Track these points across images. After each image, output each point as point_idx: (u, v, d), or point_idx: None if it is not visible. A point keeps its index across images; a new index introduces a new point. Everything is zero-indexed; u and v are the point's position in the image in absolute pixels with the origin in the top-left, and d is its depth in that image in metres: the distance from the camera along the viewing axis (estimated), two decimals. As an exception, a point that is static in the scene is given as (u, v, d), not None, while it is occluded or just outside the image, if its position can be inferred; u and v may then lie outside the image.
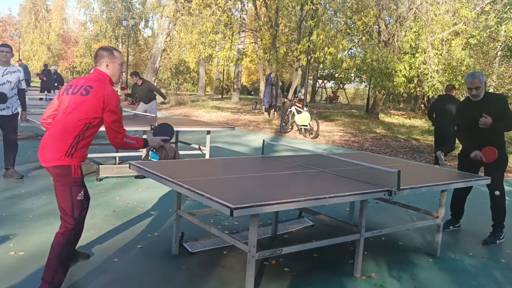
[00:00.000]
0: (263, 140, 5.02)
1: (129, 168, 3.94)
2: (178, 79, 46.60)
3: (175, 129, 7.75)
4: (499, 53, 21.83)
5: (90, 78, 3.27)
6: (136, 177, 6.84)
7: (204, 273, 3.60)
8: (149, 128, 7.18)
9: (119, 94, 10.46)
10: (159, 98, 11.98)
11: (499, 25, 17.38)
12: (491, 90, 22.36)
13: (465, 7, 16.79)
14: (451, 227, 5.27)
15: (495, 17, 16.73)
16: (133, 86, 11.33)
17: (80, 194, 3.14)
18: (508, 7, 16.91)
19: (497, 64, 21.00)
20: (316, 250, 4.16)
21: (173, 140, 9.05)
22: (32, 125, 7.49)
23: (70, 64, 50.57)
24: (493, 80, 21.55)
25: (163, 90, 39.10)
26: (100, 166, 6.67)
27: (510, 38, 18.17)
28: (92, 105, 3.11)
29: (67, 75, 55.86)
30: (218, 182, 3.39)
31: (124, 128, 3.28)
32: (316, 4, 15.40)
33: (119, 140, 3.23)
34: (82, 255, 3.70)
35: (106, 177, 6.74)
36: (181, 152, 7.65)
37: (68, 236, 3.11)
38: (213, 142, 11.28)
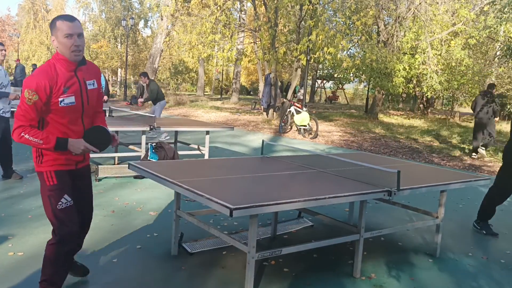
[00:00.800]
0: (263, 140, 5.02)
1: (128, 168, 3.93)
2: (177, 79, 46.59)
3: (175, 129, 7.76)
4: (498, 53, 21.86)
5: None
6: (135, 177, 6.83)
7: (204, 274, 3.59)
8: (148, 128, 7.17)
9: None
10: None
11: (498, 25, 17.39)
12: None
13: (464, 7, 16.80)
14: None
15: (494, 17, 16.74)
16: (142, 87, 11.41)
17: (60, 202, 2.80)
18: (507, 7, 16.91)
19: (496, 64, 21.02)
20: (315, 251, 4.16)
21: (172, 140, 9.05)
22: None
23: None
24: (492, 80, 21.57)
25: (162, 90, 39.14)
26: (99, 166, 6.66)
27: (509, 38, 18.18)
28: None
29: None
30: (218, 182, 3.38)
31: (25, 120, 2.63)
32: (315, 4, 15.41)
33: (15, 135, 2.64)
34: (78, 271, 3.33)
35: (105, 177, 6.73)
36: (180, 152, 7.65)
37: (56, 250, 2.81)
38: (212, 142, 11.27)
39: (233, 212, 2.65)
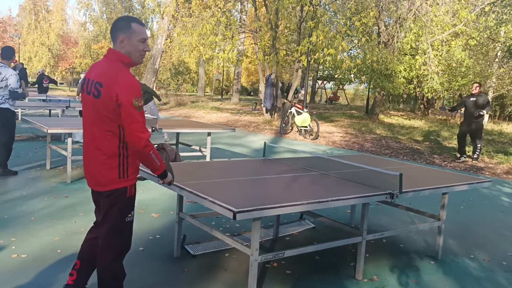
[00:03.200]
0: (265, 142, 5.03)
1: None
2: (177, 80, 46.59)
3: (176, 130, 7.78)
4: (498, 54, 21.85)
5: (101, 68, 2.64)
6: (138, 178, 6.83)
7: (206, 276, 3.60)
8: (150, 130, 7.18)
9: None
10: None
11: (498, 26, 17.40)
12: (490, 91, 22.38)
13: (465, 8, 16.80)
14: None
15: (494, 19, 16.74)
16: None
17: (130, 215, 2.78)
18: (507, 8, 16.91)
19: (497, 65, 21.02)
20: (317, 253, 4.17)
21: (174, 141, 9.06)
22: (32, 126, 7.48)
23: (70, 65, 50.57)
24: (492, 81, 21.57)
25: (162, 91, 39.10)
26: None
27: (510, 40, 18.17)
28: (107, 109, 2.54)
29: (67, 76, 55.84)
30: (220, 185, 3.40)
31: (148, 133, 2.56)
32: (316, 6, 15.41)
33: (141, 146, 2.52)
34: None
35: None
36: (181, 154, 7.66)
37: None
38: (214, 143, 11.28)
39: (236, 215, 2.66)
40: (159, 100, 11.70)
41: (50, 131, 6.27)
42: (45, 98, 13.67)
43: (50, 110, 12.20)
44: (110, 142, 2.58)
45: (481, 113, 10.34)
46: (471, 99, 10.65)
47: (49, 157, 7.30)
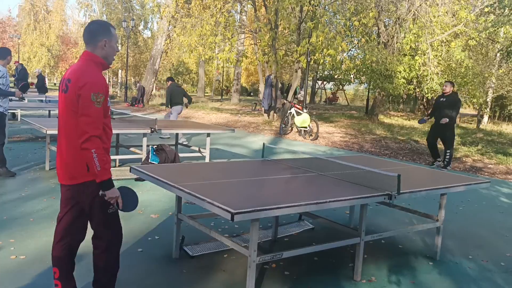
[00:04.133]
0: (263, 143, 5.03)
1: (130, 171, 3.94)
2: (177, 80, 46.59)
3: (176, 131, 7.78)
4: (498, 54, 21.86)
5: (74, 67, 2.75)
6: (136, 179, 6.84)
7: (205, 277, 3.61)
8: (149, 131, 7.19)
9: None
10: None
11: (498, 27, 17.41)
12: (490, 92, 22.37)
13: (465, 8, 16.80)
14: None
15: (492, 20, 16.75)
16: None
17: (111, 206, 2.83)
18: (507, 9, 16.91)
19: (497, 65, 21.03)
20: (316, 253, 4.17)
21: (173, 142, 9.06)
22: (31, 127, 7.48)
23: (69, 65, 50.57)
24: (492, 82, 21.57)
25: (162, 92, 39.10)
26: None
27: (509, 40, 18.16)
28: (73, 103, 2.61)
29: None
30: (219, 186, 3.40)
31: (97, 128, 2.58)
32: (316, 6, 15.42)
33: (81, 140, 2.55)
34: None
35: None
36: (181, 155, 7.67)
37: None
38: (213, 144, 11.29)
39: (234, 216, 2.67)
40: (189, 103, 12.02)
41: (49, 132, 6.27)
42: (44, 98, 13.67)
43: (49, 110, 12.20)
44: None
45: (442, 121, 9.28)
46: (441, 99, 9.65)
47: (48, 158, 7.30)
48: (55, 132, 6.44)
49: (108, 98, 2.74)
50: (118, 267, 2.98)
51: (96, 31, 2.73)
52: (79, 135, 2.56)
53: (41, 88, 19.24)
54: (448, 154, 9.69)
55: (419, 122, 10.42)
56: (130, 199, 2.90)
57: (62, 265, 2.87)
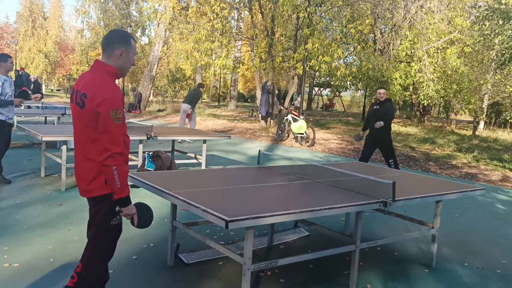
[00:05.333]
0: (259, 150, 5.03)
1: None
2: (174, 87, 46.64)
3: (173, 138, 7.77)
4: (493, 61, 21.97)
5: (87, 79, 2.67)
6: (132, 186, 6.81)
7: (200, 285, 3.59)
8: (145, 138, 7.18)
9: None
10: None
11: (493, 36, 17.50)
12: (486, 98, 22.45)
13: (460, 15, 16.92)
14: None
15: (488, 27, 16.84)
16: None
17: (115, 219, 2.79)
18: (502, 16, 16.98)
19: (492, 72, 21.14)
20: (311, 261, 4.16)
21: (169, 149, 9.05)
22: (27, 133, 7.45)
23: (67, 72, 50.55)
24: (488, 88, 21.67)
25: (159, 98, 39.08)
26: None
27: (505, 49, 18.22)
28: (90, 119, 2.58)
29: (64, 82, 55.76)
30: (214, 193, 3.39)
31: (119, 144, 2.57)
32: (312, 13, 15.49)
33: (103, 157, 2.54)
34: None
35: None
36: (177, 161, 7.65)
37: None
38: (210, 150, 11.28)
39: (228, 224, 2.66)
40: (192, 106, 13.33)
41: (44, 138, 6.26)
42: (40, 105, 13.64)
43: (46, 117, 12.18)
44: (96, 150, 2.61)
45: (376, 125, 8.26)
46: (374, 107, 8.66)
47: (43, 165, 7.28)
48: (51, 139, 6.46)
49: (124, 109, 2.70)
50: (108, 278, 2.95)
51: (115, 39, 2.69)
52: (101, 152, 2.55)
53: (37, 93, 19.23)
54: (392, 164, 8.68)
55: (355, 139, 9.31)
56: (145, 215, 2.87)
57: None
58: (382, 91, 8.67)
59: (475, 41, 17.01)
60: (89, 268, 2.80)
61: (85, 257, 2.83)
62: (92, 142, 2.62)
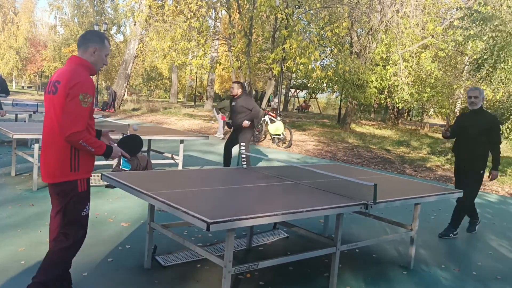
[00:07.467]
0: (239, 151, 4.97)
1: (101, 179, 3.81)
2: (150, 86, 46.14)
3: (148, 137, 7.63)
4: (466, 67, 22.49)
5: (62, 70, 2.89)
6: (107, 186, 6.66)
7: (178, 288, 3.50)
8: (121, 136, 7.02)
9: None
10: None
11: (466, 41, 17.91)
12: (458, 102, 22.93)
13: (434, 20, 17.22)
14: (451, 235, 5.61)
15: (460, 34, 17.22)
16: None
17: (85, 209, 3.00)
18: (474, 23, 17.41)
19: (465, 77, 21.62)
20: (291, 263, 4.12)
21: (145, 148, 8.89)
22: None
23: (38, 68, 49.43)
24: (460, 93, 22.14)
25: (134, 97, 38.56)
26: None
27: (478, 53, 18.65)
28: (61, 104, 2.73)
29: (35, 79, 54.47)
30: (193, 194, 3.32)
31: (83, 124, 2.74)
32: (290, 15, 15.51)
33: (64, 136, 2.72)
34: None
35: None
36: (153, 161, 7.52)
37: (66, 254, 3.04)
38: (186, 150, 11.15)
39: (210, 226, 2.59)
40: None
41: (16, 136, 6.05)
42: (11, 102, 13.25)
43: (16, 114, 11.83)
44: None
45: (244, 125, 7.75)
46: (232, 103, 8.02)
47: (14, 164, 7.05)
48: (22, 136, 6.25)
49: (94, 101, 2.87)
50: (64, 270, 3.06)
51: (91, 37, 2.94)
52: (62, 130, 2.71)
53: (4, 90, 18.67)
54: (244, 164, 7.84)
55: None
56: (132, 145, 3.31)
57: None
58: (235, 85, 7.84)
59: (448, 45, 17.36)
60: (58, 252, 2.96)
61: (57, 243, 2.97)
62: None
